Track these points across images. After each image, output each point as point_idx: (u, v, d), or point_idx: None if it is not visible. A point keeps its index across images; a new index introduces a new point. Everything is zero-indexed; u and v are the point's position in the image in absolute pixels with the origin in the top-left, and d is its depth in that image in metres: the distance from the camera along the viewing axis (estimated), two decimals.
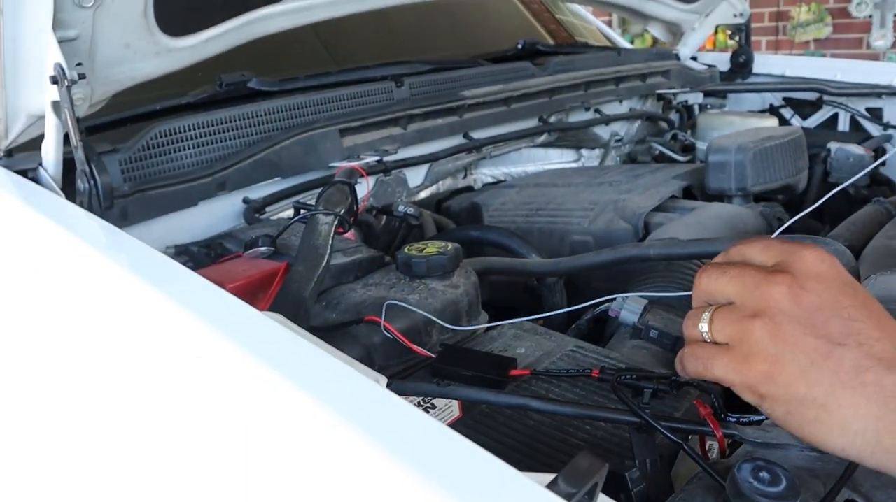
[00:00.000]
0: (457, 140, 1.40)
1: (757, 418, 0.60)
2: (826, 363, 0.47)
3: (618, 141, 1.77)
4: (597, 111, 1.70)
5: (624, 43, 2.31)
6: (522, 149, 1.62)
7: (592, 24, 2.27)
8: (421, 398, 0.69)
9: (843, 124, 1.96)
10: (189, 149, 1.12)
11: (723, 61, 2.11)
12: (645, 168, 1.41)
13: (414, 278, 0.88)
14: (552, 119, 1.59)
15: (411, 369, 0.80)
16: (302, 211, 1.13)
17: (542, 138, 1.56)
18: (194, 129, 1.12)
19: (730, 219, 1.17)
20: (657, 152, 1.81)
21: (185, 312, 0.58)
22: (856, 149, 1.72)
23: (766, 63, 2.03)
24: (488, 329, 0.87)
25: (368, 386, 0.47)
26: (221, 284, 0.86)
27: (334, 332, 0.80)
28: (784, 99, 2.04)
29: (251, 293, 0.87)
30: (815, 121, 2.00)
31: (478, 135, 1.42)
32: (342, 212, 0.93)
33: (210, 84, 1.29)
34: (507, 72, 1.47)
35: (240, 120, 1.17)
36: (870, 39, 4.13)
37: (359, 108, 1.26)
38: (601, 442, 0.66)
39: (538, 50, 1.64)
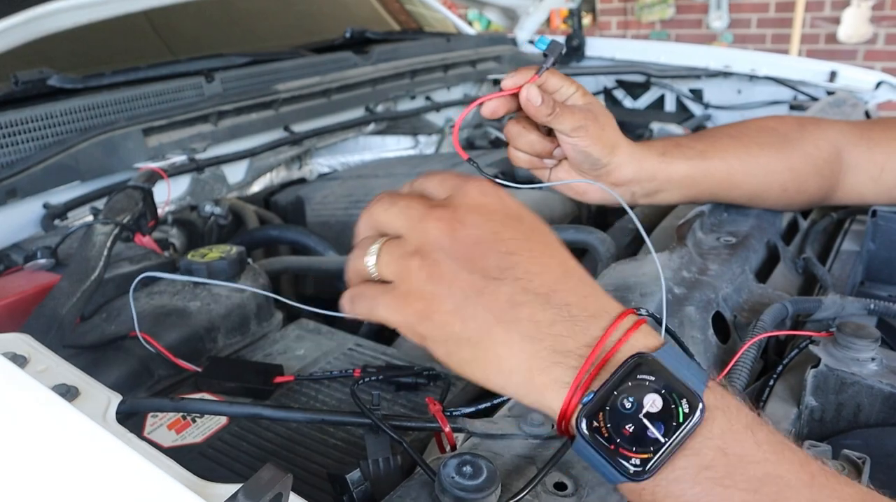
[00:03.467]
0: (277, 134, 1.38)
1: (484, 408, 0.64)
2: (480, 299, 0.44)
3: (452, 127, 1.81)
4: (428, 98, 1.72)
5: (470, 31, 2.33)
6: (359, 138, 1.62)
7: (441, 13, 2.28)
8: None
9: (670, 104, 2.07)
10: None
11: None
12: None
13: (199, 284, 0.87)
14: (380, 108, 1.59)
15: (187, 379, 0.80)
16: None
17: (371, 128, 1.57)
18: None
19: (534, 204, 1.22)
20: (493, 137, 1.86)
21: None
22: (675, 128, 1.83)
23: (598, 46, 2.12)
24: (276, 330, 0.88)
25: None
26: None
27: (106, 348, 0.79)
28: (617, 81, 2.13)
29: (24, 310, 0.84)
30: (644, 101, 2.11)
31: (299, 127, 1.41)
32: (126, 219, 0.91)
33: (4, 81, 1.22)
34: (327, 63, 1.46)
35: (34, 121, 1.12)
36: (707, 20, 4.38)
37: (166, 106, 1.22)
38: (359, 441, 0.69)
39: (366, 38, 1.63)
